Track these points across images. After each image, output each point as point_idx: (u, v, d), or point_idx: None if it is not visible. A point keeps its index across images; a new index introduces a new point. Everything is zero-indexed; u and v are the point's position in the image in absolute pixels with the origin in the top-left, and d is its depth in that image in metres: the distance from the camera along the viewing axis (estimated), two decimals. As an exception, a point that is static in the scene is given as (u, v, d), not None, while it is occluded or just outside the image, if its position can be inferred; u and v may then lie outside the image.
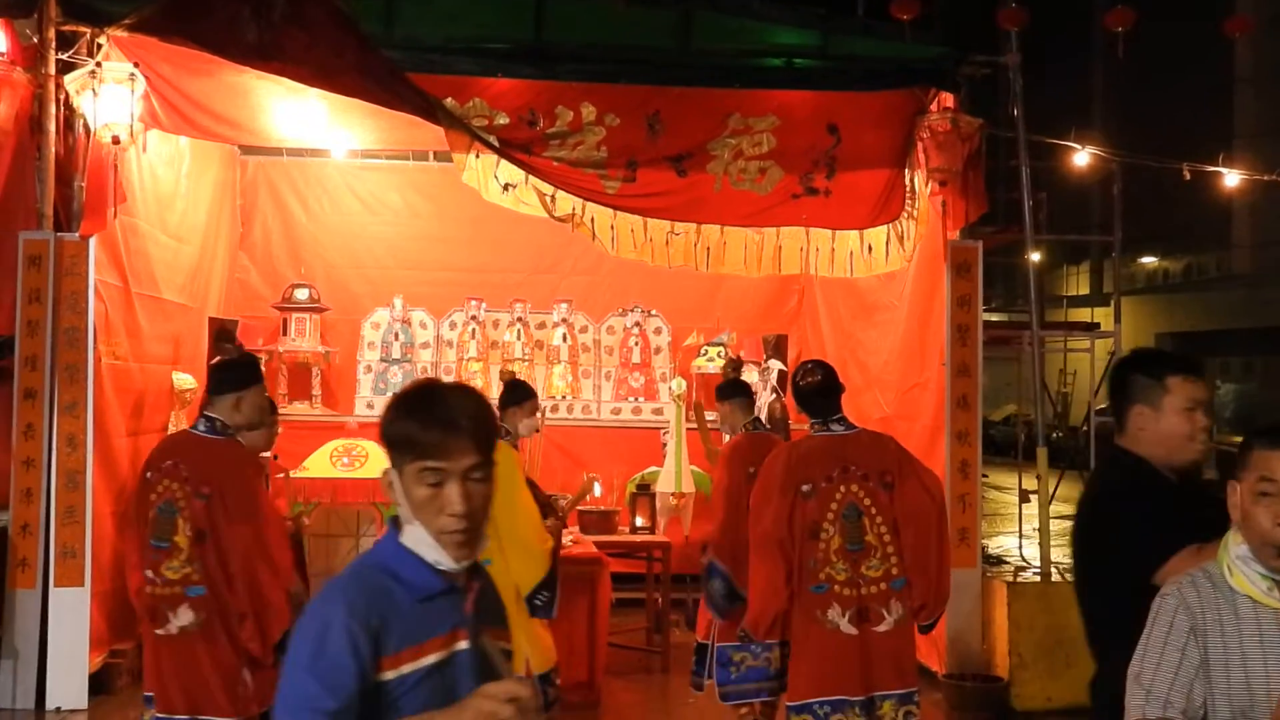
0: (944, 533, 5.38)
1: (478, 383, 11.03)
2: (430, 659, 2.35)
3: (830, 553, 5.15)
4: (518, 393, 6.36)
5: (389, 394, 10.77)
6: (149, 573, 5.09)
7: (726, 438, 7.23)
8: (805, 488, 5.23)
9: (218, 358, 8.64)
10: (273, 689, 2.43)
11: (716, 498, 6.93)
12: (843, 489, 5.21)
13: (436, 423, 2.35)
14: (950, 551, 5.48)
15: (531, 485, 6.17)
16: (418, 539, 2.38)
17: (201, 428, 5.21)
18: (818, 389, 5.58)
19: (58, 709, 7.43)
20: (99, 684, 7.66)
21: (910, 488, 5.26)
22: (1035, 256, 8.77)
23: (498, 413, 5.90)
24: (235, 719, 5.00)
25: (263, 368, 10.27)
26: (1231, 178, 12.04)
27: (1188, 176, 11.29)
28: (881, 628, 5.13)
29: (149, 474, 5.25)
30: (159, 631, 5.08)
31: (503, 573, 5.31)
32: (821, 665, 5.17)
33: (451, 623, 2.39)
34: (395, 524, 2.45)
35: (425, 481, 2.35)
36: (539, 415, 6.20)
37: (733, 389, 7.21)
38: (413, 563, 2.38)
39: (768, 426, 7.40)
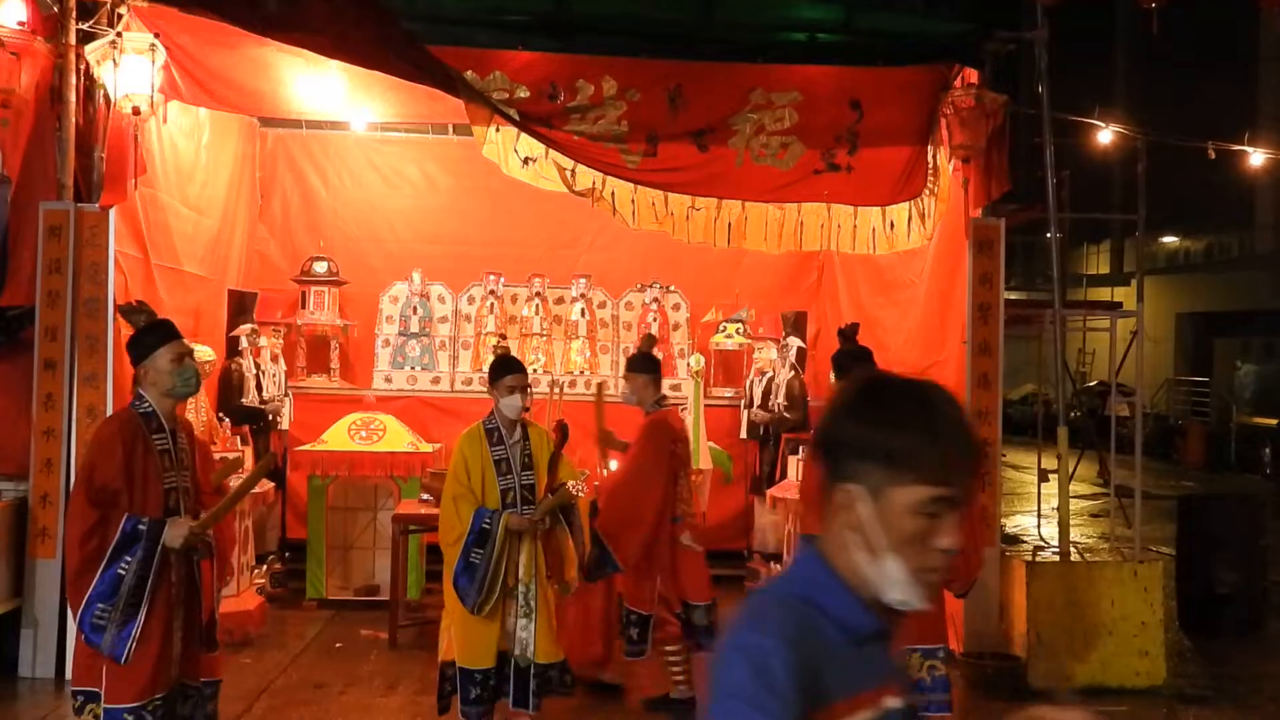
0: (975, 508, 5.71)
1: (491, 359, 11.04)
2: (866, 715, 1.95)
3: None
4: (494, 369, 6.18)
5: (407, 368, 10.93)
6: None
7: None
8: None
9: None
10: None
11: (628, 469, 6.98)
12: None
13: (945, 440, 1.92)
14: (981, 524, 5.83)
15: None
16: (883, 573, 1.95)
17: None
18: (859, 353, 6.07)
19: (77, 678, 7.48)
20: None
21: None
22: (1058, 234, 8.70)
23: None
24: None
25: (280, 340, 10.44)
26: (1256, 157, 11.95)
27: (1212, 155, 11.20)
28: None
29: None
30: None
31: None
32: None
33: (880, 674, 2.00)
34: (810, 546, 2.05)
35: (922, 510, 1.91)
36: (520, 394, 5.97)
37: (647, 363, 7.20)
38: (846, 598, 1.97)
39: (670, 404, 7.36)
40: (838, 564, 1.99)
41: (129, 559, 4.53)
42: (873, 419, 1.94)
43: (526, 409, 6.09)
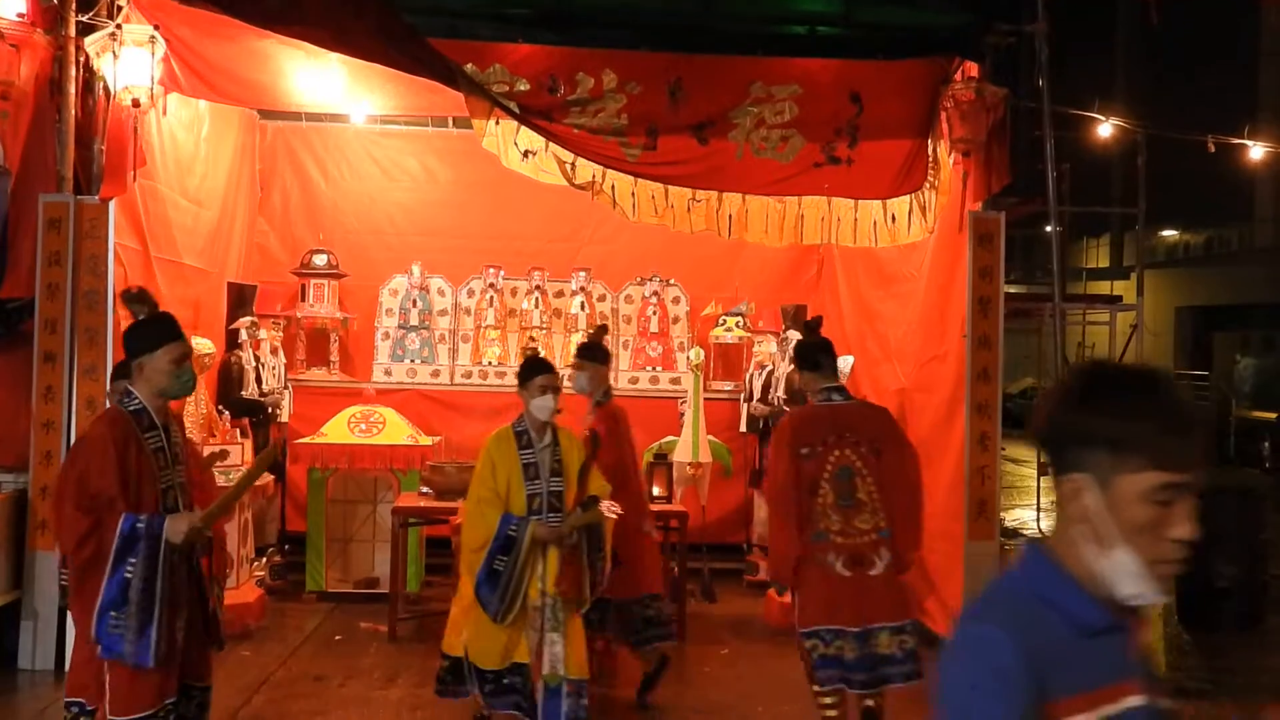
0: (920, 497, 6.08)
1: (495, 351, 11.05)
2: (1104, 711, 1.90)
3: (826, 507, 5.85)
4: (524, 370, 6.04)
5: (406, 360, 10.94)
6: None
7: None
8: (804, 450, 5.88)
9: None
10: None
11: (619, 465, 6.92)
12: (837, 453, 5.90)
13: (1173, 424, 1.90)
14: (924, 507, 6.11)
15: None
16: (1114, 566, 1.92)
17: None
18: (823, 346, 6.18)
19: (77, 670, 7.48)
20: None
21: (896, 456, 5.98)
22: (1058, 228, 8.70)
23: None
24: None
25: (280, 332, 10.44)
26: (1256, 150, 11.96)
27: (1212, 149, 11.21)
28: (874, 571, 5.85)
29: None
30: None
31: None
32: (823, 600, 5.83)
33: (1119, 670, 1.96)
34: (1035, 546, 2.03)
35: (1155, 499, 1.89)
36: (553, 396, 5.86)
37: (602, 352, 7.25)
38: (1076, 593, 1.94)
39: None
40: (1066, 560, 1.96)
41: (133, 560, 4.35)
42: (1097, 406, 1.91)
43: (558, 410, 5.94)
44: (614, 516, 6.08)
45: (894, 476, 5.92)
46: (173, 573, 4.48)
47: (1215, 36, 25.72)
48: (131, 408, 4.53)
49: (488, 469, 5.76)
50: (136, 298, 4.74)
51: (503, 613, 5.65)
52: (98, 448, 4.44)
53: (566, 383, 6.95)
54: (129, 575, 4.35)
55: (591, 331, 7.59)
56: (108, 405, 5.24)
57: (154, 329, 4.64)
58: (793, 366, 10.19)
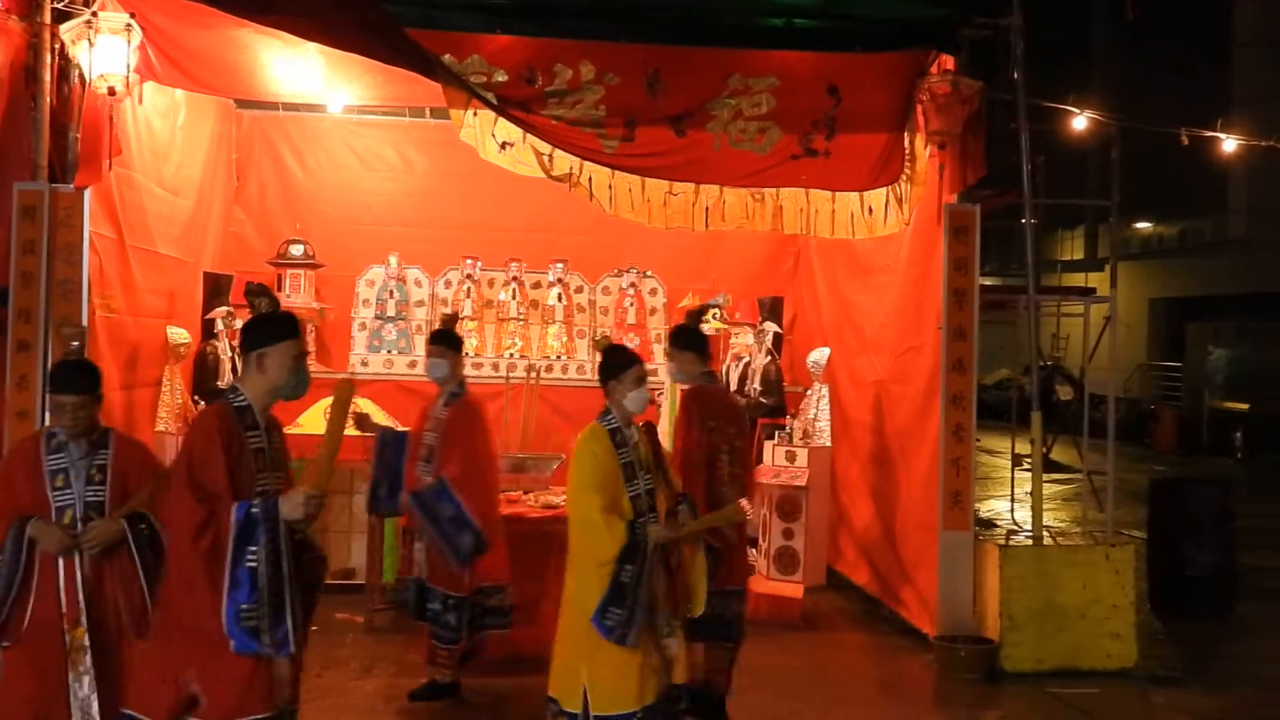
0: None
1: (472, 342, 11.03)
2: None
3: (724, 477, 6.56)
4: (614, 362, 5.49)
5: (383, 351, 10.93)
6: None
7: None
8: (711, 424, 6.60)
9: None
10: None
11: (476, 456, 6.94)
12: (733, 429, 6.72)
13: None
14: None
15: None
16: None
17: None
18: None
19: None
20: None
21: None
22: (1033, 221, 8.74)
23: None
24: None
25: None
26: (1229, 143, 12.03)
27: (1186, 141, 11.27)
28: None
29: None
30: None
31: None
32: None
33: None
34: None
35: None
36: (645, 386, 5.42)
37: (455, 340, 7.30)
38: None
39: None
40: None
41: (254, 549, 4.11)
42: None
43: (650, 403, 5.60)
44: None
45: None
46: (296, 554, 4.29)
47: (1190, 29, 25.84)
48: (237, 404, 4.32)
49: (599, 472, 5.13)
50: (258, 290, 4.68)
51: (635, 633, 4.99)
52: (204, 439, 4.23)
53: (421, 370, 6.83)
54: (253, 564, 4.11)
55: (445, 318, 7.41)
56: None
57: (278, 323, 4.45)
58: (769, 358, 10.25)
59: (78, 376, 4.72)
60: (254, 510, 4.13)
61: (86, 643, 4.61)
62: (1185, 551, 9.73)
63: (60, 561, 4.60)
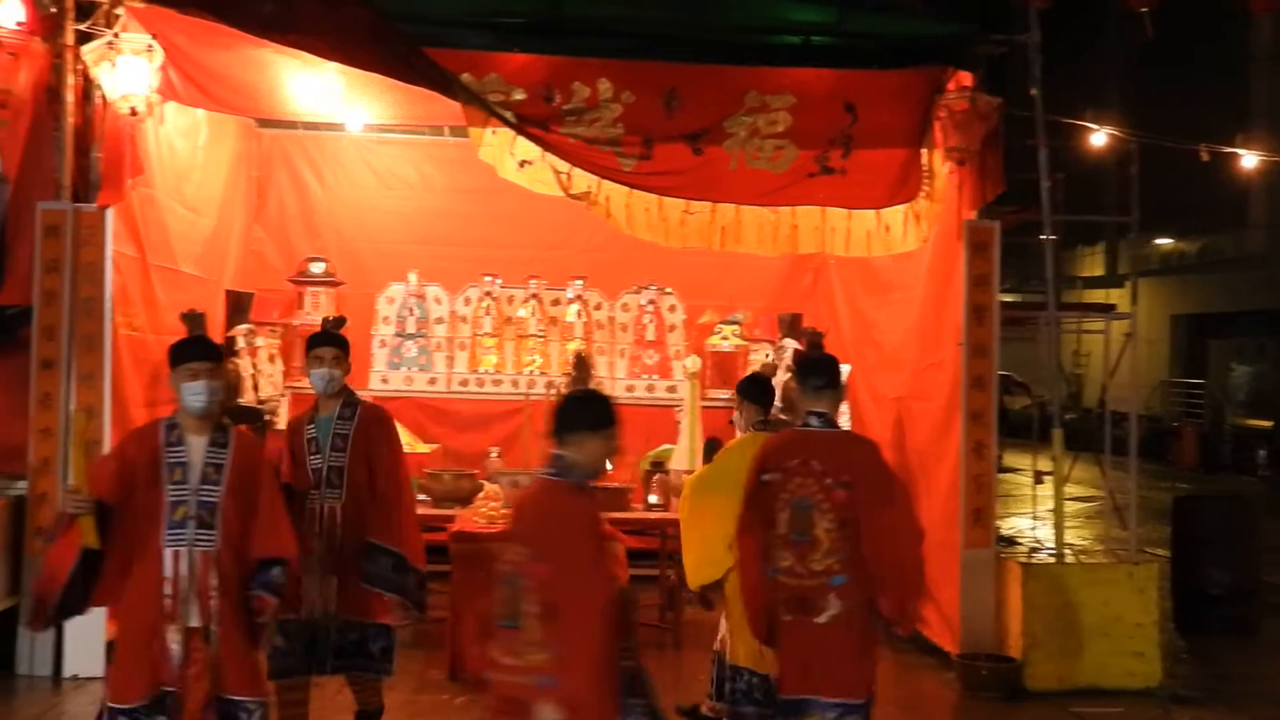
0: (916, 553, 5.34)
1: (492, 359, 11.05)
2: None
3: (779, 540, 5.19)
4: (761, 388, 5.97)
5: (403, 368, 10.96)
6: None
7: None
8: (766, 477, 5.26)
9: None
10: None
11: (398, 468, 6.43)
12: (797, 480, 5.18)
13: None
14: (922, 568, 5.43)
15: None
16: None
17: None
18: (817, 364, 5.56)
19: (74, 676, 7.49)
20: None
21: (876, 499, 5.18)
22: (1052, 237, 8.73)
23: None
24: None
25: (277, 340, 10.44)
26: (1248, 158, 12.02)
27: (1205, 157, 11.26)
28: (819, 619, 5.10)
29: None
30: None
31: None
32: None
33: None
34: None
35: None
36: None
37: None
38: None
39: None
40: None
41: None
42: None
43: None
44: None
45: (870, 519, 5.14)
46: None
47: (1207, 44, 25.77)
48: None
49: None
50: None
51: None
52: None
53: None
54: None
55: (331, 320, 7.17)
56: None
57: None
58: (789, 375, 10.22)
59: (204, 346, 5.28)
60: None
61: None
62: (1208, 570, 9.66)
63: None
